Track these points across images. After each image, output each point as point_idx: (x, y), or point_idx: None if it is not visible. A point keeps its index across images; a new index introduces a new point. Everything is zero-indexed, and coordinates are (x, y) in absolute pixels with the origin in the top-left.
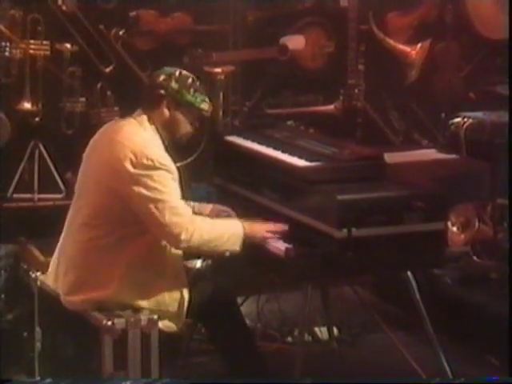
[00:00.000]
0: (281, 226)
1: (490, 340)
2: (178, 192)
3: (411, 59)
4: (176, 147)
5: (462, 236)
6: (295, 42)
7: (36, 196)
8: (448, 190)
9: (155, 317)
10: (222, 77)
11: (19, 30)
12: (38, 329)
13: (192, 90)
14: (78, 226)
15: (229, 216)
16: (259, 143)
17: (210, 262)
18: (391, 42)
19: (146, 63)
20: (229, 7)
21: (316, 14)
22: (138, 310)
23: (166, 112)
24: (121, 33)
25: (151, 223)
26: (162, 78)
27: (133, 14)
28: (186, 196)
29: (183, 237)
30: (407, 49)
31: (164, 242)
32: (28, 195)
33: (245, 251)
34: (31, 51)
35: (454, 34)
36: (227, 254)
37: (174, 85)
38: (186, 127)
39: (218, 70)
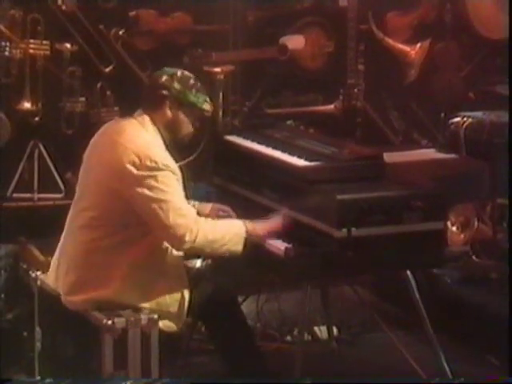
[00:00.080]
0: (282, 223)
1: (489, 340)
2: (181, 193)
3: (411, 59)
4: (176, 147)
5: (462, 236)
6: (295, 41)
7: (36, 196)
8: (447, 190)
9: (155, 316)
10: (222, 76)
11: (19, 30)
12: (37, 328)
13: (194, 91)
14: (80, 227)
15: (228, 215)
16: (259, 143)
17: (209, 261)
18: (391, 41)
19: (145, 63)
20: (229, 7)
21: (315, 13)
22: (138, 309)
23: (169, 112)
24: (121, 33)
25: (155, 224)
26: (164, 78)
27: (133, 13)
28: (186, 195)
29: (187, 238)
30: (407, 48)
31: (166, 244)
32: (28, 195)
33: (245, 251)
34: (31, 51)
35: (453, 33)
36: (227, 254)
37: (176, 85)
38: (187, 127)
39: (218, 69)
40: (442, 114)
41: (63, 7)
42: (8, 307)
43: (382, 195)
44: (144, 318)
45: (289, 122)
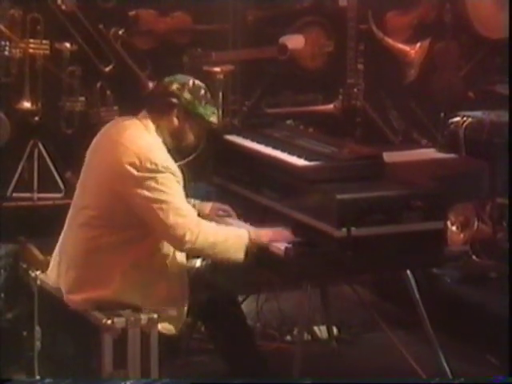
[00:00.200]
0: (286, 233)
1: (489, 339)
2: (182, 194)
3: (410, 58)
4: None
5: (462, 235)
6: (295, 41)
7: (35, 195)
8: (447, 190)
9: (155, 316)
10: (222, 76)
11: (19, 30)
12: (37, 328)
13: (204, 102)
14: (80, 225)
15: (228, 215)
16: (259, 142)
17: (209, 261)
18: (390, 41)
19: (145, 63)
20: (228, 7)
21: (315, 13)
22: (138, 309)
23: (175, 121)
24: (120, 32)
25: (155, 225)
26: (175, 86)
27: (132, 13)
28: (186, 195)
29: (187, 238)
30: (406, 48)
31: (167, 247)
32: (27, 194)
33: (245, 260)
34: (31, 50)
35: (453, 33)
36: (228, 261)
37: (186, 95)
38: (191, 137)
39: (218, 69)
40: (442, 114)
41: (63, 7)
42: (8, 307)
43: (381, 195)
44: (144, 317)
45: (288, 122)
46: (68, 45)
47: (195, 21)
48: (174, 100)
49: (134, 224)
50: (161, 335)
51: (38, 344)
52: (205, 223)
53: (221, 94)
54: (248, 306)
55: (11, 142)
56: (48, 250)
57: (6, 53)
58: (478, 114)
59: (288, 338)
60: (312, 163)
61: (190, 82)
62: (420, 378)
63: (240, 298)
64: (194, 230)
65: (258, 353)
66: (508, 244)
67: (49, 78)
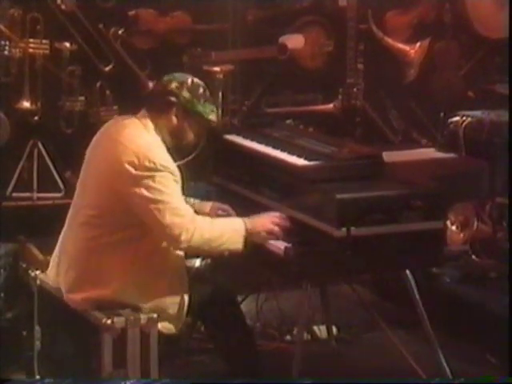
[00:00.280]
0: (282, 218)
1: (489, 339)
2: (179, 194)
3: (410, 58)
4: (176, 149)
5: (461, 235)
6: (294, 41)
7: (35, 195)
8: (447, 189)
9: (155, 315)
10: (221, 76)
11: (18, 29)
12: (37, 328)
13: (202, 100)
14: (80, 224)
15: (228, 214)
16: (258, 142)
17: (209, 260)
18: (390, 41)
19: (145, 62)
20: (228, 6)
21: (315, 13)
22: (137, 309)
23: (174, 119)
24: (120, 32)
25: (152, 224)
26: (174, 85)
27: (132, 13)
28: (185, 194)
29: (183, 237)
30: (406, 48)
31: (166, 245)
32: (27, 194)
33: (244, 250)
34: (30, 50)
35: (453, 33)
36: (227, 253)
37: (185, 94)
38: (190, 136)
39: (217, 69)
40: (442, 114)
41: (62, 6)
42: (7, 306)
43: (381, 194)
44: (143, 317)
45: (288, 121)
46: (68, 44)
47: (195, 20)
48: (173, 98)
49: (133, 223)
50: (161, 335)
51: (37, 344)
52: (200, 219)
53: (220, 94)
54: (248, 305)
55: (11, 142)
56: (48, 250)
57: (6, 52)
58: (478, 113)
59: (288, 337)
60: (312, 163)
61: (189, 81)
62: (420, 378)
63: (240, 298)
64: (190, 228)
65: (258, 352)
66: (508, 244)
67: (48, 77)
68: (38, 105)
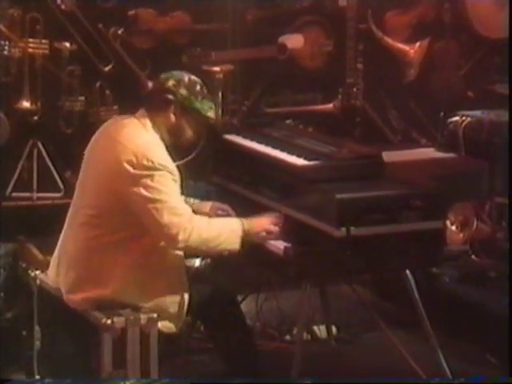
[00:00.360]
0: (280, 218)
1: (489, 339)
2: (177, 193)
3: (410, 58)
4: (175, 148)
5: (461, 235)
6: (294, 41)
7: (35, 195)
8: (446, 189)
9: (155, 315)
10: (221, 76)
11: (18, 29)
12: (37, 327)
13: (200, 97)
14: (80, 224)
15: (228, 214)
16: (258, 142)
17: (208, 260)
18: (390, 40)
19: (144, 62)
20: (228, 6)
21: (315, 13)
22: (137, 309)
23: (172, 117)
24: (120, 32)
25: (150, 223)
26: (171, 82)
27: (132, 12)
28: (185, 194)
29: (181, 237)
30: (406, 48)
31: (164, 244)
32: (27, 194)
33: (244, 250)
34: (30, 50)
35: (452, 32)
36: (226, 253)
37: (182, 91)
38: (189, 133)
39: (217, 68)
40: (441, 113)
41: (62, 6)
42: (7, 306)
43: (381, 194)
44: (143, 317)
45: (288, 121)
46: (67, 44)
47: (195, 20)
48: (171, 96)
49: (133, 222)
50: (160, 334)
51: (37, 344)
52: (197, 219)
53: (220, 94)
54: (247, 305)
55: (10, 142)
56: (47, 250)
57: (6, 52)
58: (478, 113)
59: (287, 337)
60: (311, 163)
61: (186, 78)
62: (420, 378)
63: (239, 298)
64: (187, 227)
65: (257, 352)
66: (508, 244)
67: (48, 77)
68: (38, 105)
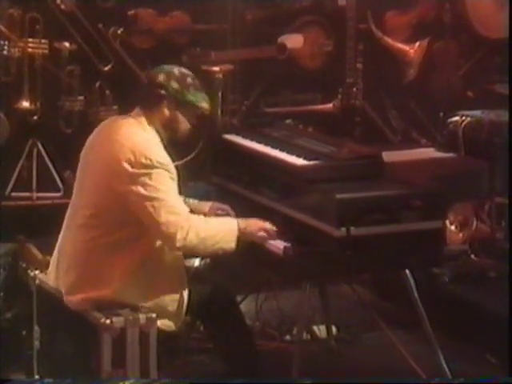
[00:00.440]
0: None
1: (488, 339)
2: (175, 191)
3: (409, 58)
4: (174, 145)
5: (461, 235)
6: (294, 40)
7: (34, 194)
8: (446, 189)
9: (154, 315)
10: (221, 76)
11: (18, 29)
12: (36, 327)
13: (192, 89)
14: (79, 226)
15: (227, 214)
16: (258, 142)
17: (208, 260)
18: (389, 40)
19: (144, 62)
20: (227, 6)
21: (314, 13)
22: (137, 308)
23: (166, 112)
24: (119, 31)
25: (148, 222)
26: (161, 77)
27: (131, 12)
28: (184, 194)
29: (179, 236)
30: (405, 47)
31: (161, 243)
32: (26, 194)
33: (243, 250)
34: (30, 50)
35: (452, 32)
36: (221, 252)
37: (173, 84)
38: (185, 126)
39: (217, 68)
40: (441, 113)
41: (62, 6)
42: (7, 306)
43: (380, 194)
44: (142, 317)
45: (288, 121)
46: (67, 44)
47: (194, 20)
48: (162, 91)
49: (131, 222)
50: (160, 333)
51: (36, 343)
52: (195, 218)
53: (220, 94)
54: (247, 305)
55: (10, 142)
56: (47, 250)
57: (5, 52)
58: (478, 113)
59: (287, 337)
60: (311, 163)
61: (176, 71)
62: (419, 378)
63: (239, 298)
64: (185, 226)
65: (257, 352)
66: (507, 244)
67: (48, 77)
68: (38, 104)
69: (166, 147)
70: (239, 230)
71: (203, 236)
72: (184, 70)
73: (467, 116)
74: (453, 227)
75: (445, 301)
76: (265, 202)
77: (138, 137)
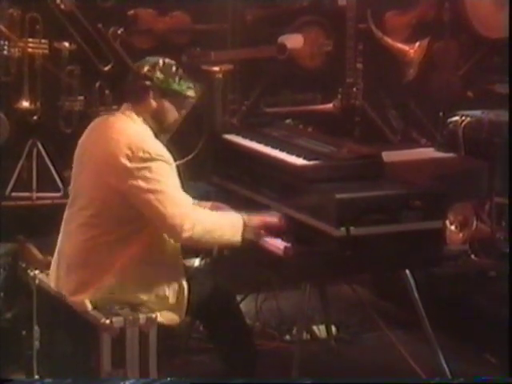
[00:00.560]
0: (278, 219)
1: (488, 339)
2: (177, 182)
3: (409, 58)
4: (173, 144)
5: (460, 235)
6: (293, 40)
7: (34, 194)
8: (446, 189)
9: (154, 315)
10: (221, 75)
11: (18, 29)
12: (36, 327)
13: (177, 78)
14: (79, 226)
15: None
16: (258, 142)
17: (208, 260)
18: (389, 40)
19: None
20: (227, 6)
21: (314, 12)
22: (137, 305)
23: (153, 103)
24: (119, 31)
25: (153, 215)
26: (146, 69)
27: (131, 12)
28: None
29: (186, 227)
30: (405, 47)
31: (164, 235)
32: (26, 194)
33: (243, 249)
34: (30, 50)
35: (452, 32)
36: (226, 245)
37: (158, 75)
38: (173, 115)
39: (217, 68)
40: (441, 113)
41: (62, 6)
42: (7, 306)
43: (380, 194)
44: (142, 317)
45: (287, 121)
46: (67, 44)
47: (194, 20)
48: (148, 82)
49: (130, 217)
50: (163, 329)
51: (36, 343)
52: (200, 210)
53: (220, 94)
54: (247, 305)
55: (10, 141)
56: (47, 250)
57: (5, 52)
58: (477, 113)
59: (287, 337)
60: (311, 162)
61: (160, 62)
62: (419, 378)
63: (239, 297)
64: (192, 217)
65: (257, 352)
66: (507, 243)
67: (48, 77)
68: (38, 104)
69: (159, 139)
70: (244, 223)
71: (209, 227)
72: (168, 61)
73: (467, 116)
74: (453, 227)
75: (444, 301)
76: (265, 201)
77: (132, 130)
